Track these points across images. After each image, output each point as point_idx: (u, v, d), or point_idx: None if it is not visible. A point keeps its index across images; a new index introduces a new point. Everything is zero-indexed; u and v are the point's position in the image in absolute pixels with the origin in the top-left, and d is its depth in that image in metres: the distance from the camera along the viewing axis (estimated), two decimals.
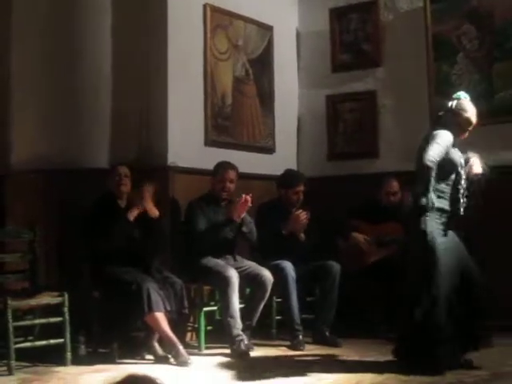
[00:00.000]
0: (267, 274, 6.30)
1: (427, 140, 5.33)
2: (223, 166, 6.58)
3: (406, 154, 7.45)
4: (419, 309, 5.17)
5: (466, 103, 5.46)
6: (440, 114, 5.55)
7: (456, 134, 5.37)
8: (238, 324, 6.08)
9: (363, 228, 7.03)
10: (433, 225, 5.23)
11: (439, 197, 5.28)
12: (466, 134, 5.44)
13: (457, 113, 5.42)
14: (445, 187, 5.32)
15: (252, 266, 6.44)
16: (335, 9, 8.21)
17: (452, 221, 5.29)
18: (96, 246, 5.87)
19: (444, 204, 5.29)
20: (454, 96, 5.54)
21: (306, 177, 7.34)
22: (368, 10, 8.01)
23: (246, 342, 6.04)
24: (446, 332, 5.16)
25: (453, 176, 5.34)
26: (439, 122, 5.49)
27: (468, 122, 5.41)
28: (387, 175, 7.23)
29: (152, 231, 6.06)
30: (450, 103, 5.49)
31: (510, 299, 6.43)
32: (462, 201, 5.31)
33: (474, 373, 5.16)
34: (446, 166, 5.30)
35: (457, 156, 5.36)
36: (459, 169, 5.35)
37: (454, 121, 5.41)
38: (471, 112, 5.43)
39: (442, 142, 5.25)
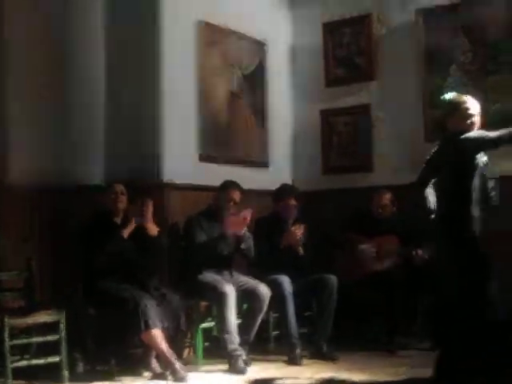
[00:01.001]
0: (265, 289, 6.29)
1: (460, 148, 5.21)
2: (230, 186, 6.58)
3: (400, 167, 7.53)
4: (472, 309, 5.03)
5: (455, 97, 5.42)
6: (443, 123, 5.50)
7: (468, 130, 5.25)
8: (234, 339, 6.05)
9: (362, 240, 7.02)
10: (474, 231, 5.16)
11: (473, 204, 5.18)
12: (477, 122, 5.32)
13: (453, 111, 5.34)
14: (475, 194, 5.21)
15: (249, 281, 6.42)
16: (328, 23, 8.24)
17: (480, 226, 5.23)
18: (92, 263, 5.85)
19: (476, 211, 5.20)
20: (442, 99, 5.53)
21: (301, 191, 7.36)
22: (361, 23, 8.04)
23: (243, 358, 6.02)
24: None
25: (480, 180, 5.25)
26: (446, 131, 5.41)
27: (466, 109, 5.29)
28: (381, 189, 7.23)
29: (150, 249, 6.05)
30: (444, 108, 5.48)
31: None
32: (492, 203, 5.29)
33: None
34: (475, 172, 5.21)
35: (480, 157, 5.27)
36: (485, 169, 5.29)
37: (457, 119, 5.30)
38: (463, 100, 5.37)
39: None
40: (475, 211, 5.18)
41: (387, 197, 7.11)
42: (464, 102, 5.33)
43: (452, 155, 5.27)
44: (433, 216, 5.39)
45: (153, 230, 6.04)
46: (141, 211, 6.01)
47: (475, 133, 5.24)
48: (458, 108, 5.32)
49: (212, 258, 6.35)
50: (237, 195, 6.55)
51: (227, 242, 6.43)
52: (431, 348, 6.18)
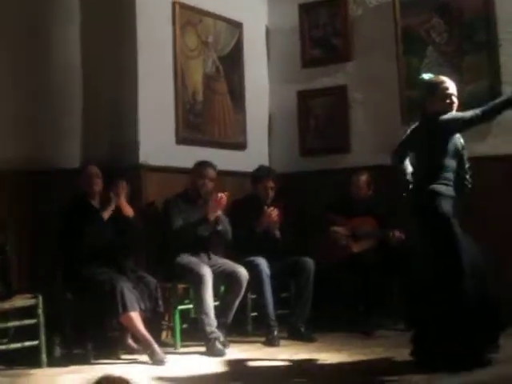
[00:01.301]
0: (242, 271, 6.30)
1: (433, 129, 5.26)
2: (204, 164, 6.58)
3: (378, 148, 7.57)
4: (447, 293, 5.02)
5: (433, 78, 5.45)
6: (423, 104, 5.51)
7: (448, 109, 5.30)
8: (212, 321, 6.07)
9: (339, 222, 7.04)
10: (447, 208, 5.18)
11: (446, 184, 5.23)
12: (456, 102, 5.36)
13: (433, 91, 5.37)
14: (449, 174, 5.27)
15: (227, 263, 6.44)
16: (304, 4, 8.22)
17: (457, 207, 5.27)
18: (70, 247, 5.84)
19: (450, 191, 5.24)
20: (420, 79, 5.54)
21: (278, 172, 7.37)
22: (337, 4, 8.02)
23: (221, 340, 6.04)
24: (481, 312, 5.01)
25: (455, 162, 5.31)
26: (426, 111, 5.43)
27: (446, 89, 5.33)
28: (358, 170, 7.25)
29: (126, 230, 6.05)
30: (423, 89, 5.49)
31: None
32: (467, 185, 5.35)
33: None
34: (451, 152, 5.27)
35: (457, 139, 5.34)
36: (462, 151, 5.35)
37: (436, 99, 5.33)
38: (442, 80, 5.41)
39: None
40: (448, 191, 5.21)
41: (363, 178, 7.13)
42: (443, 82, 5.38)
43: (426, 135, 5.33)
44: (410, 187, 5.44)
45: (128, 211, 6.04)
46: (115, 193, 6.01)
47: (450, 114, 5.27)
48: (437, 88, 5.36)
49: (190, 240, 6.35)
50: (212, 173, 6.55)
51: (205, 225, 6.43)
52: (406, 329, 6.18)
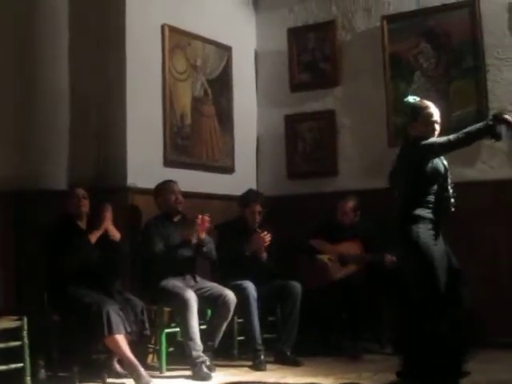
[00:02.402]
0: (230, 295, 6.27)
1: (411, 154, 5.28)
2: (168, 183, 6.62)
3: (365, 172, 7.60)
4: (428, 320, 5.04)
5: (418, 102, 5.43)
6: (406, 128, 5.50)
7: (430, 135, 5.29)
8: (197, 346, 6.02)
9: (324, 248, 7.03)
10: (426, 234, 5.16)
11: (427, 207, 5.21)
12: (438, 129, 5.35)
13: (416, 116, 5.35)
14: (430, 197, 5.24)
15: (214, 286, 6.40)
16: (293, 29, 8.26)
17: (439, 229, 5.24)
18: (56, 269, 5.81)
19: (431, 214, 5.21)
20: (405, 102, 5.54)
21: (266, 196, 7.37)
22: (325, 29, 8.07)
23: (207, 363, 6.01)
24: (454, 339, 5.09)
25: (436, 185, 5.28)
26: (408, 135, 5.43)
27: (429, 115, 5.32)
28: (346, 194, 7.26)
29: (113, 253, 6.02)
30: (406, 113, 5.50)
31: None
32: (450, 206, 5.29)
33: None
34: (431, 176, 5.25)
35: (439, 162, 5.31)
36: (445, 173, 5.31)
37: (419, 124, 5.32)
38: (426, 105, 5.39)
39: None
40: (428, 214, 5.21)
41: (349, 205, 7.12)
42: (427, 108, 5.36)
43: (406, 160, 5.33)
44: None
45: (115, 234, 6.02)
46: (102, 216, 5.99)
47: (428, 140, 5.26)
48: (420, 113, 5.34)
49: (173, 263, 6.34)
50: (177, 187, 6.59)
51: (188, 247, 6.42)
52: (394, 353, 6.16)
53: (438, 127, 5.34)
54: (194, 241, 6.39)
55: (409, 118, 5.44)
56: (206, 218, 6.35)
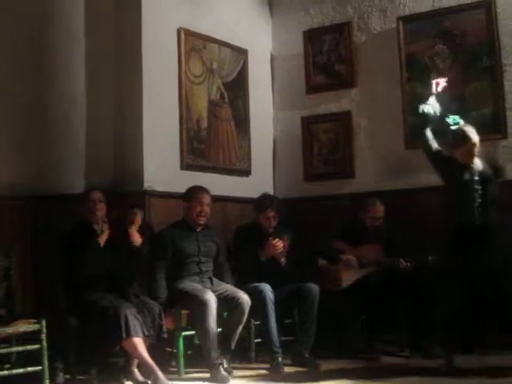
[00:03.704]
0: (245, 297, 6.26)
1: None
2: (198, 190, 6.52)
3: (382, 174, 7.57)
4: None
5: (462, 133, 5.89)
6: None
7: (468, 162, 5.85)
8: (215, 348, 6.03)
9: (345, 249, 7.00)
10: None
11: None
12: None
13: (460, 145, 5.86)
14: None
15: (229, 288, 6.40)
16: (308, 31, 8.27)
17: None
18: (72, 273, 5.84)
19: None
20: (447, 123, 6.06)
21: (283, 198, 7.38)
22: (341, 31, 8.07)
23: (225, 366, 6.01)
24: None
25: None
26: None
27: (473, 145, 5.83)
28: (370, 197, 7.17)
29: (133, 257, 6.03)
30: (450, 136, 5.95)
31: None
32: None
33: None
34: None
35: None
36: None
37: (462, 152, 5.85)
38: (470, 137, 5.85)
39: None
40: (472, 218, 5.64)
41: (382, 209, 7.08)
42: (470, 139, 5.80)
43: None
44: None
45: (137, 239, 6.02)
46: (129, 220, 6.00)
47: None
48: (464, 143, 5.81)
49: (190, 267, 6.38)
50: (208, 198, 6.51)
51: (204, 252, 6.46)
52: (411, 355, 6.46)
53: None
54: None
55: (453, 143, 5.91)
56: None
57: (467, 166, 5.85)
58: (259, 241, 6.71)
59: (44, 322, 5.49)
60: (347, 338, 6.85)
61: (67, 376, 5.82)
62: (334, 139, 8.09)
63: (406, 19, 7.67)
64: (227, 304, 6.26)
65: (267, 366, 6.37)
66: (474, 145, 5.73)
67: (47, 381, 5.48)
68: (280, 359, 6.34)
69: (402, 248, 6.83)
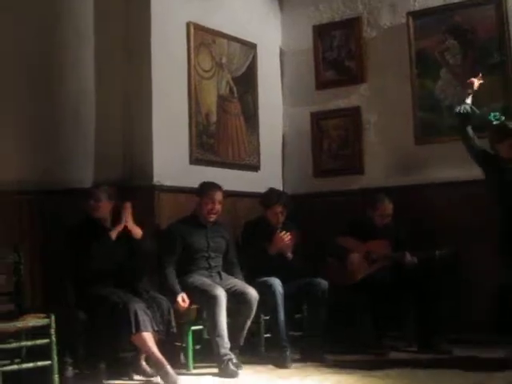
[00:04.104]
0: (253, 292, 6.27)
1: None
2: (211, 187, 6.53)
3: (391, 170, 7.56)
4: None
5: (503, 125, 6.13)
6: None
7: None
8: (225, 343, 6.04)
9: (353, 245, 7.00)
10: None
11: None
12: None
13: (504, 139, 6.01)
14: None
15: (237, 283, 6.41)
16: (318, 26, 8.25)
17: None
18: (81, 267, 5.85)
19: None
20: (489, 119, 6.19)
21: (292, 193, 7.38)
22: (351, 26, 8.05)
23: (234, 361, 6.02)
24: None
25: None
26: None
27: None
28: (379, 194, 7.13)
29: (136, 251, 6.04)
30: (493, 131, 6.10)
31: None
32: None
33: None
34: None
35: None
36: None
37: (506, 146, 5.99)
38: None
39: None
40: None
41: (390, 206, 7.05)
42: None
43: None
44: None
45: (136, 232, 6.03)
46: (121, 215, 6.01)
47: None
48: (506, 138, 5.96)
49: (199, 262, 6.39)
50: (220, 195, 6.51)
51: (213, 248, 6.48)
52: (419, 350, 6.52)
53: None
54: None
55: (494, 137, 6.03)
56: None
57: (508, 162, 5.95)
58: (267, 235, 6.71)
59: (53, 317, 5.50)
60: (357, 332, 6.86)
61: (76, 370, 5.82)
62: (343, 135, 8.07)
63: (416, 14, 7.64)
64: (235, 299, 6.26)
65: (276, 360, 6.37)
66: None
67: (56, 375, 5.50)
68: (288, 353, 6.34)
69: (411, 244, 6.82)
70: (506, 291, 5.81)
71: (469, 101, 6.43)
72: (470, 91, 6.50)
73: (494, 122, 6.12)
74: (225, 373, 5.93)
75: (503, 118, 6.22)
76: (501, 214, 6.00)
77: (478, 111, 6.37)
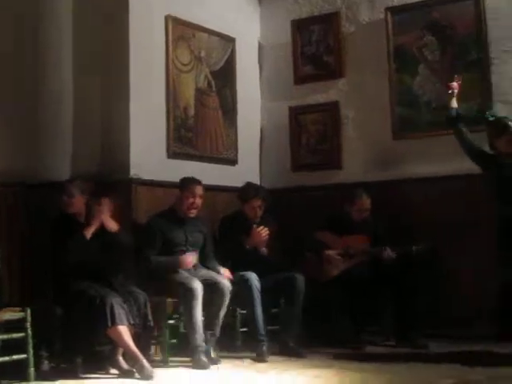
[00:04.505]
0: (225, 282, 6.29)
1: None
2: (192, 181, 6.54)
3: (369, 165, 7.57)
4: None
5: (504, 121, 6.16)
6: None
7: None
8: (199, 335, 6.05)
9: (331, 239, 7.00)
10: None
11: None
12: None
13: (502, 134, 6.08)
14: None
15: (209, 273, 6.43)
16: (297, 20, 8.24)
17: None
18: (57, 262, 5.81)
19: None
20: (486, 117, 6.27)
21: (269, 188, 7.38)
22: (329, 21, 8.05)
23: (211, 353, 6.06)
24: None
25: None
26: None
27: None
28: (357, 190, 7.13)
29: (112, 245, 6.01)
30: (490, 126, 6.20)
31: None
32: None
33: None
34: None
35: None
36: None
37: (504, 141, 6.05)
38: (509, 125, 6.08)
39: None
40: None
41: (368, 201, 7.06)
42: (509, 127, 6.02)
43: None
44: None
45: (112, 226, 6.00)
46: (98, 209, 5.98)
47: None
48: (504, 132, 6.01)
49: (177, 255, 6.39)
50: (200, 189, 6.53)
51: (191, 242, 6.47)
52: (397, 345, 6.55)
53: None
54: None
55: (491, 133, 6.09)
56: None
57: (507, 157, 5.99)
58: (245, 230, 6.71)
59: (29, 311, 5.48)
60: (334, 327, 6.87)
61: (52, 364, 5.81)
62: (321, 130, 8.07)
63: (395, 10, 7.65)
64: (209, 288, 6.24)
65: (253, 354, 6.37)
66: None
67: (32, 369, 5.49)
68: (265, 348, 6.35)
69: (389, 239, 6.84)
70: (507, 289, 5.78)
71: (454, 104, 6.45)
72: (451, 93, 6.51)
73: (490, 119, 6.15)
74: (197, 364, 5.96)
75: (498, 114, 6.26)
76: (499, 209, 6.00)
77: (464, 114, 6.52)
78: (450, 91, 6.56)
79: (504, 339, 5.87)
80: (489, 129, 6.17)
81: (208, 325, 6.22)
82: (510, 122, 6.04)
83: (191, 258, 6.34)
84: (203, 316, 6.18)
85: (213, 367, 5.98)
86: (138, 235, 6.42)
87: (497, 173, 6.00)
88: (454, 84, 6.57)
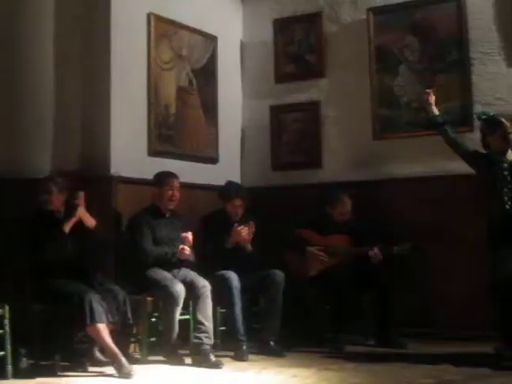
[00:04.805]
0: (204, 282, 6.32)
1: None
2: (168, 175, 6.58)
3: (350, 164, 7.59)
4: None
5: (496, 118, 6.17)
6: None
7: (506, 148, 6.05)
8: (175, 334, 6.12)
9: (313, 238, 7.02)
10: None
11: None
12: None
13: (495, 131, 6.08)
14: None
15: (188, 273, 6.44)
16: (279, 20, 8.25)
17: None
18: (35, 259, 5.79)
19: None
20: (478, 115, 6.32)
21: (250, 186, 7.39)
22: (312, 21, 8.06)
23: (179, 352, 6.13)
24: None
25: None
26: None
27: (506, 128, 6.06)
28: (338, 194, 7.12)
29: (90, 242, 5.98)
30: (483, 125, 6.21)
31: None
32: None
33: None
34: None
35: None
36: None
37: (497, 138, 6.06)
38: (502, 120, 6.12)
39: None
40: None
41: (349, 203, 7.07)
42: (502, 123, 6.04)
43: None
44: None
45: (90, 221, 5.98)
46: (75, 204, 5.96)
47: None
48: (498, 128, 6.02)
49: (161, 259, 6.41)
50: (178, 182, 6.57)
51: (172, 239, 6.48)
52: (376, 344, 6.59)
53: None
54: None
55: (486, 131, 6.11)
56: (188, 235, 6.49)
57: (500, 155, 6.00)
58: (226, 228, 6.71)
59: (7, 308, 5.46)
60: (314, 326, 6.88)
61: (31, 361, 5.78)
62: (302, 129, 8.08)
63: (377, 10, 7.68)
64: (187, 288, 6.24)
65: (232, 353, 6.37)
66: (507, 127, 5.96)
67: (10, 366, 5.47)
68: (245, 347, 6.36)
69: (370, 239, 6.84)
70: (501, 287, 5.75)
71: (436, 111, 6.45)
72: (429, 102, 6.51)
73: (483, 117, 6.18)
74: (172, 361, 6.06)
75: (490, 113, 6.27)
76: (492, 209, 5.97)
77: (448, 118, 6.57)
78: (427, 101, 6.53)
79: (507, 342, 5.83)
80: (482, 126, 6.17)
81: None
82: (501, 119, 6.06)
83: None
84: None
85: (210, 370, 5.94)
86: (129, 231, 6.46)
87: (491, 171, 5.98)
88: (428, 96, 6.54)
